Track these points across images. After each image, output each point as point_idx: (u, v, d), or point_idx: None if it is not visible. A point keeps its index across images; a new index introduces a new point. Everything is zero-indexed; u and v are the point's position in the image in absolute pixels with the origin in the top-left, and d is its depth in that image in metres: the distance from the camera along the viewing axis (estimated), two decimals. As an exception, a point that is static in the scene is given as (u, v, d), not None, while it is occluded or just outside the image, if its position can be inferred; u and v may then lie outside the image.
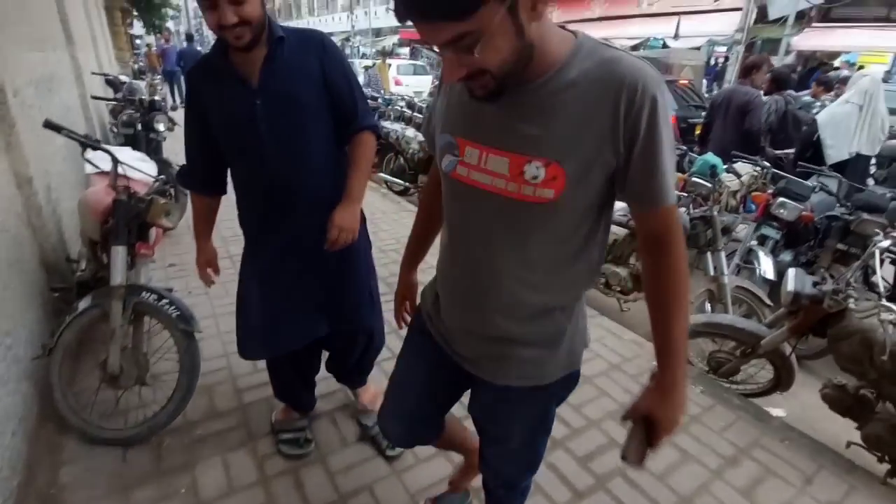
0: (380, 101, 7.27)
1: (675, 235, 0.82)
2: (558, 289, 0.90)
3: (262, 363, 2.17)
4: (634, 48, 13.93)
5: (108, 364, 1.74)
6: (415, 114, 6.40)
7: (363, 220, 1.57)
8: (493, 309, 0.92)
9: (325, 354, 1.81)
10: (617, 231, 2.99)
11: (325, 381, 1.94)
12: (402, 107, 6.71)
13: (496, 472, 1.22)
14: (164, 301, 1.78)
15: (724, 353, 2.35)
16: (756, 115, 3.91)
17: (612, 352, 2.55)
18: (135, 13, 15.98)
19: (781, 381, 2.20)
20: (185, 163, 1.49)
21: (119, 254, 1.76)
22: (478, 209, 0.86)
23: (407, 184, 5.11)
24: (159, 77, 9.28)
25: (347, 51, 24.45)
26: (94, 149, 1.91)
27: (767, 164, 3.65)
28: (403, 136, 5.04)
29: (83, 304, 1.76)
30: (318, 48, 1.36)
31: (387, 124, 5.39)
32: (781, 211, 2.99)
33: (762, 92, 4.13)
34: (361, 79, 10.64)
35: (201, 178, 1.49)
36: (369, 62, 12.97)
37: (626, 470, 1.77)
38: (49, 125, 1.74)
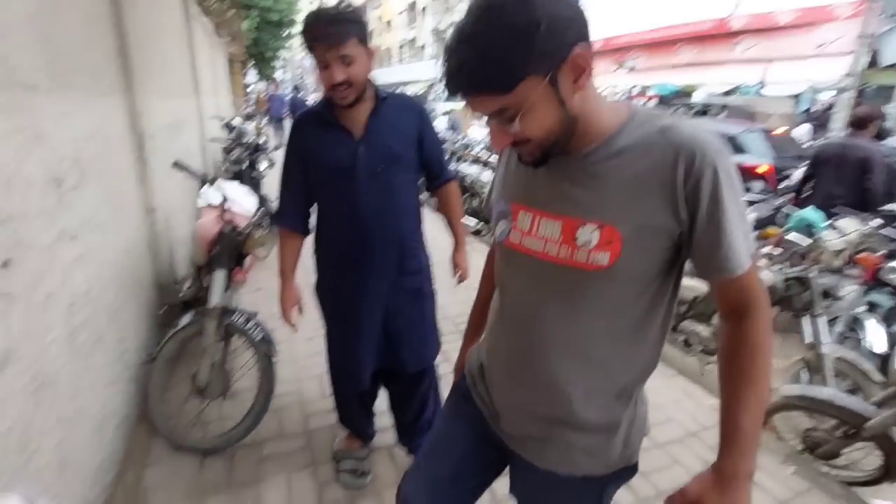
0: (458, 144, 7.56)
1: (754, 305, 0.76)
2: (616, 367, 0.84)
3: (328, 390, 2.27)
4: (727, 94, 13.39)
5: (197, 377, 1.93)
6: (491, 156, 6.56)
7: (429, 261, 1.68)
8: (541, 385, 0.87)
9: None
10: (699, 287, 2.83)
11: (385, 415, 1.99)
12: (478, 151, 6.92)
13: None
14: (251, 323, 1.96)
15: (823, 432, 2.09)
16: (880, 174, 3.56)
17: (689, 417, 2.36)
18: (251, 64, 18.20)
19: (891, 470, 1.90)
20: (279, 205, 1.64)
21: (219, 278, 1.97)
22: (529, 278, 0.84)
23: (480, 225, 5.22)
24: (266, 119, 10.45)
25: (431, 96, 25.82)
26: (210, 185, 2.19)
27: (881, 220, 3.29)
28: (478, 180, 5.20)
29: (184, 320, 1.97)
30: (417, 114, 1.56)
31: (463, 167, 5.59)
32: (894, 277, 2.67)
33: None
34: (446, 121, 11.16)
35: (294, 218, 1.63)
36: (451, 106, 13.58)
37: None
38: (177, 165, 2.03)
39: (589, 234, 0.76)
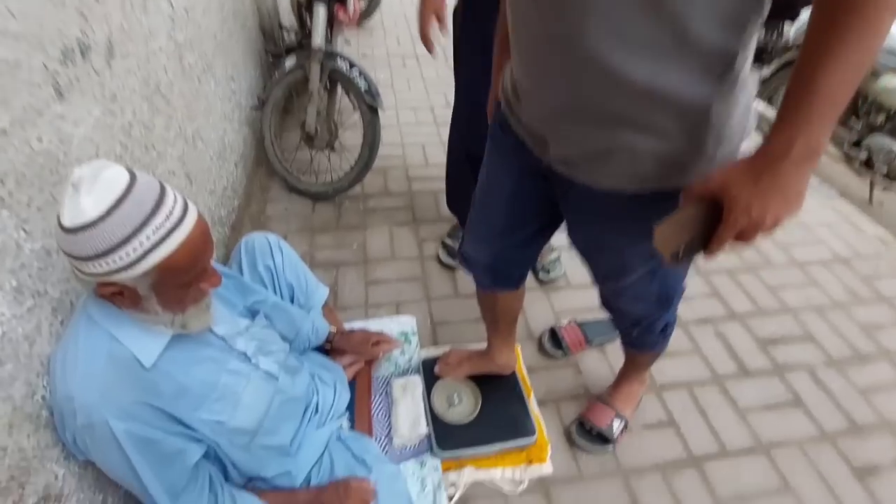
0: None
1: None
2: (693, 26, 0.53)
3: (434, 159, 2.17)
4: None
5: (306, 124, 1.91)
6: None
7: None
8: (587, 71, 0.59)
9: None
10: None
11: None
12: None
13: (619, 312, 1.02)
14: (355, 69, 1.80)
15: None
16: None
17: (843, 242, 1.99)
18: None
19: None
20: None
21: (320, 12, 1.76)
22: None
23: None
24: None
25: None
26: None
27: None
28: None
29: (289, 63, 1.87)
30: None
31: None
32: None
33: None
34: None
35: None
36: None
37: (815, 369, 1.47)
38: None
39: None
